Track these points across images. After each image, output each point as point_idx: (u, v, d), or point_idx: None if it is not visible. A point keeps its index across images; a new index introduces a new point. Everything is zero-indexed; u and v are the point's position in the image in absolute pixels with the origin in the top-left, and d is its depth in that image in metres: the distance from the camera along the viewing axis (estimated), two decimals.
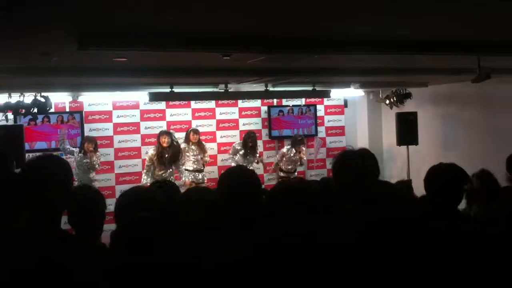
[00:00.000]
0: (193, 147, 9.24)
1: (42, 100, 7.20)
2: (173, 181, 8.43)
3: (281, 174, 10.04)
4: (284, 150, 9.94)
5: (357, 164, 2.77)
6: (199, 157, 9.27)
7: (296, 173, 10.17)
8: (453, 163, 3.24)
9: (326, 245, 2.15)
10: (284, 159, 9.90)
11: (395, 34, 4.73)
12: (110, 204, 3.07)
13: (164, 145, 8.70)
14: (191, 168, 9.26)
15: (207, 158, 9.41)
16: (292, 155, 9.82)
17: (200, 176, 9.32)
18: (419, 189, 3.40)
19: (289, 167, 9.98)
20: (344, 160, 2.84)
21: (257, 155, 9.69)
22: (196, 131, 9.32)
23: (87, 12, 3.41)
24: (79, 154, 8.41)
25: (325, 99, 10.63)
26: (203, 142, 9.49)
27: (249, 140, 9.45)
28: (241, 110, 10.28)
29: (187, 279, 2.08)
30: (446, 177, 3.16)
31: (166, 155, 8.73)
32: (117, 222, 2.74)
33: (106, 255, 2.37)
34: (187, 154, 9.21)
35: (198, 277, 2.11)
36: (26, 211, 2.27)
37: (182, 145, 9.15)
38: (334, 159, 2.91)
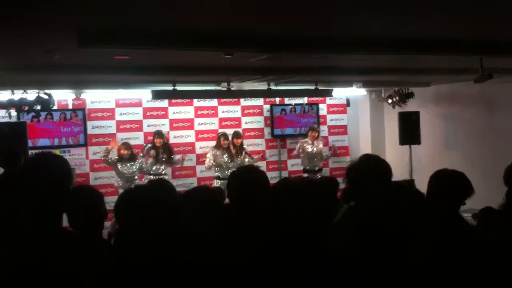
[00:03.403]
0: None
1: (45, 97, 7.24)
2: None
3: (305, 175, 9.49)
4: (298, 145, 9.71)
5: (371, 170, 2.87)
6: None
7: (320, 173, 9.61)
8: (462, 172, 3.28)
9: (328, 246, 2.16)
10: (301, 154, 9.68)
11: (397, 34, 4.73)
12: (112, 202, 3.09)
13: (157, 145, 8.88)
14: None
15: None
16: (307, 147, 9.60)
17: None
18: (421, 188, 3.42)
19: (311, 164, 9.68)
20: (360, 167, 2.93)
21: (245, 156, 9.25)
22: (226, 137, 9.14)
23: (88, 10, 3.42)
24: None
25: (327, 98, 10.63)
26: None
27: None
28: (243, 108, 10.30)
29: (189, 277, 2.09)
30: (451, 187, 3.20)
31: (163, 156, 8.88)
32: (119, 222, 2.75)
33: (109, 253, 2.38)
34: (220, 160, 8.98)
35: (200, 276, 2.12)
36: (29, 207, 2.29)
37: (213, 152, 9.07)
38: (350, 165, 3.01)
